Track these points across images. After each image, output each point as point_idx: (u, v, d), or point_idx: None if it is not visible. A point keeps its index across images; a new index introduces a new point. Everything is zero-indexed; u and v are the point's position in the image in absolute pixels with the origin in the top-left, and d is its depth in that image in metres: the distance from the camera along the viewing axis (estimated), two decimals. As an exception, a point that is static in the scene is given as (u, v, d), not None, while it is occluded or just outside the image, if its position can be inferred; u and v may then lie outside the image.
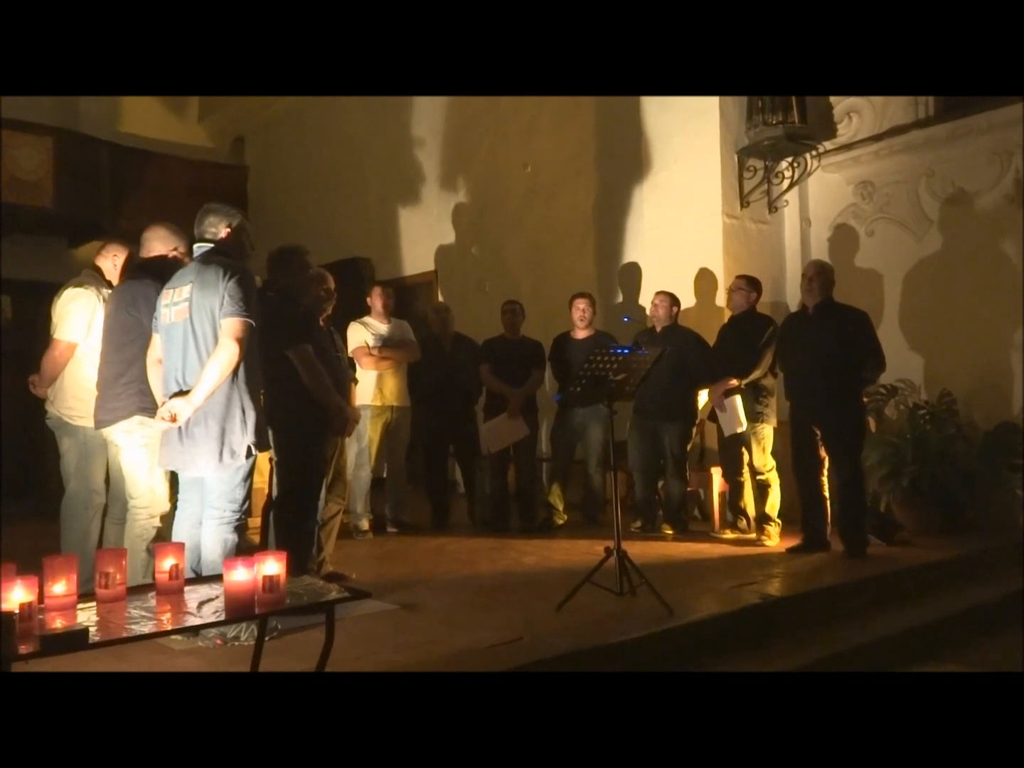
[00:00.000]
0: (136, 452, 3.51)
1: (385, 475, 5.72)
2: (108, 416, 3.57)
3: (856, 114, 6.17)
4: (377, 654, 3.01)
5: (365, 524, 5.50)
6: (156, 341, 3.30)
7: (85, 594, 2.26)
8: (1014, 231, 5.45)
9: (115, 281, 3.95)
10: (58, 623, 2.07)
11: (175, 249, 3.68)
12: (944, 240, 5.79)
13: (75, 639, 1.93)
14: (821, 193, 6.31)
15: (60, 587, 2.16)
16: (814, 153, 6.10)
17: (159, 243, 3.68)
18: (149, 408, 3.39)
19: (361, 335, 5.51)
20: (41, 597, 2.09)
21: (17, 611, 1.91)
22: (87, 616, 2.15)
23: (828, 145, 6.16)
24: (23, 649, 1.85)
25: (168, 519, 3.47)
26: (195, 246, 3.29)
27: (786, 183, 6.21)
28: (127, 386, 3.49)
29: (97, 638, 2.00)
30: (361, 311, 5.73)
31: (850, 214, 6.21)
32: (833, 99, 6.28)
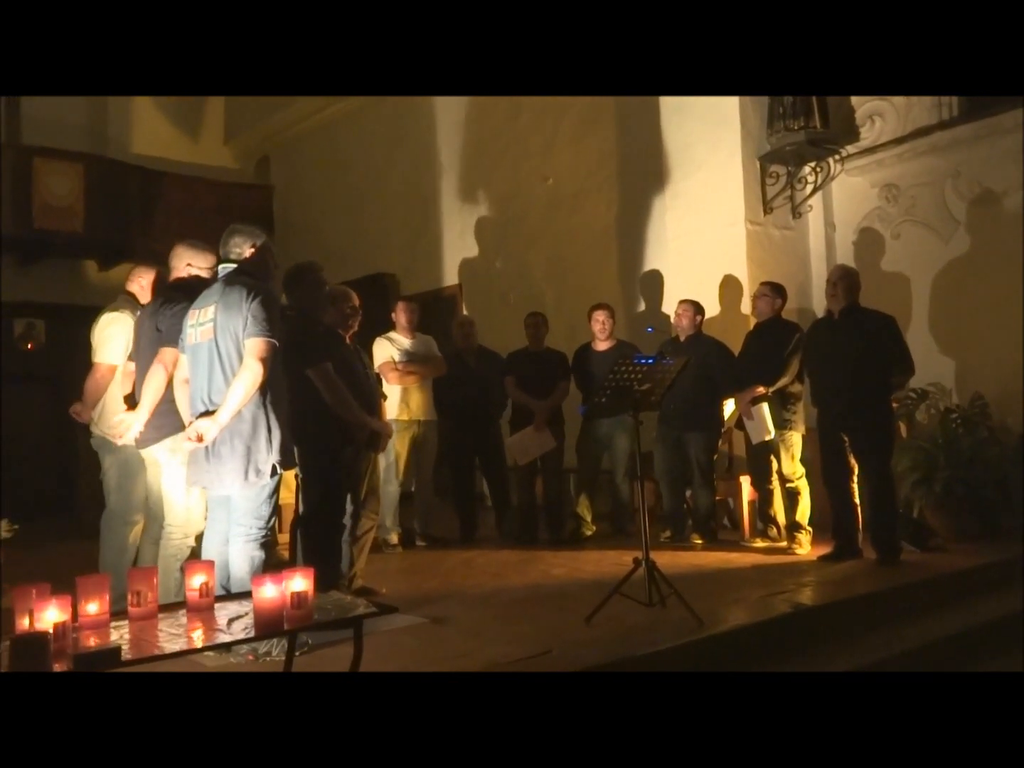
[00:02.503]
0: (178, 471, 3.54)
1: (413, 489, 5.74)
2: (153, 434, 3.62)
3: (879, 117, 6.12)
4: (406, 668, 3.01)
5: (394, 538, 5.52)
6: (183, 361, 3.35)
7: (118, 612, 2.30)
8: (1043, 230, 5.38)
9: (146, 302, 4.02)
10: (91, 642, 2.11)
11: (207, 267, 3.71)
12: (972, 241, 5.72)
13: (108, 657, 1.97)
14: (845, 197, 6.26)
15: (93, 606, 2.21)
16: (837, 157, 6.06)
17: (184, 261, 3.73)
18: None
19: (387, 350, 5.54)
20: (75, 616, 2.14)
21: (51, 631, 1.95)
22: (120, 634, 2.19)
23: (851, 149, 6.11)
24: (57, 668, 1.89)
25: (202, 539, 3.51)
26: (220, 266, 3.33)
27: (809, 188, 6.17)
28: (170, 404, 3.52)
29: (129, 656, 2.03)
30: (387, 327, 5.76)
31: (875, 217, 6.15)
32: (855, 102, 6.24)
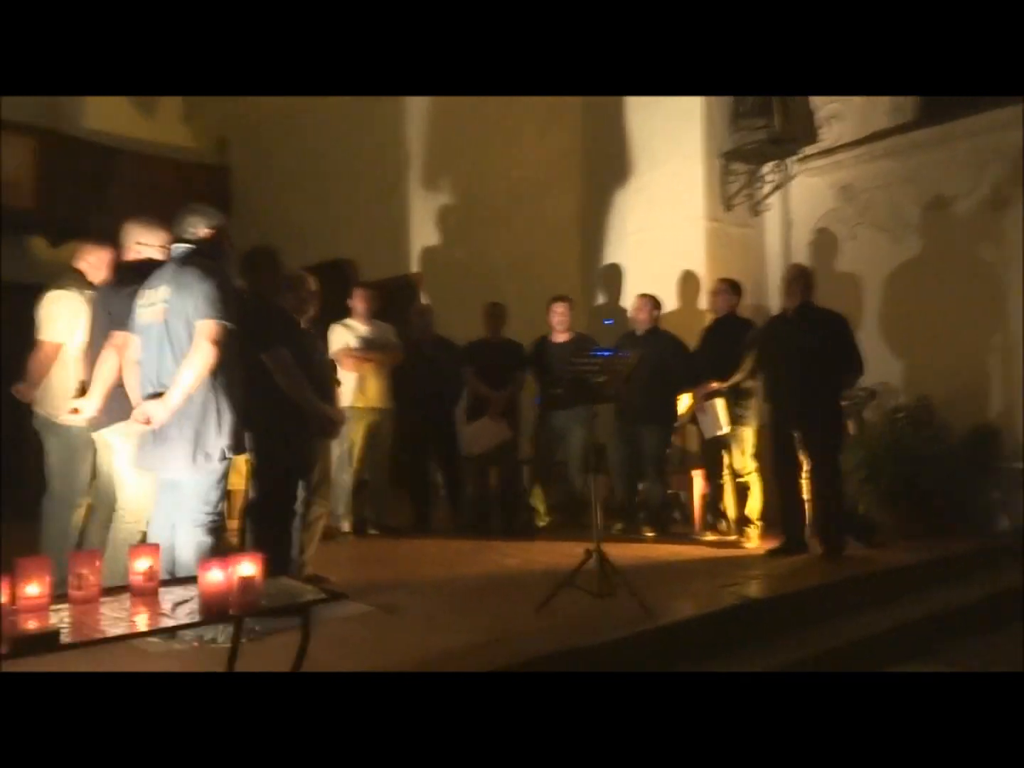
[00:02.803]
0: (129, 454, 3.45)
1: (367, 477, 5.71)
2: (105, 417, 3.55)
3: (838, 119, 6.21)
4: (356, 656, 3.01)
5: (346, 526, 5.48)
6: (133, 342, 3.29)
7: (60, 595, 2.23)
8: (992, 236, 5.50)
9: (96, 281, 3.94)
10: (30, 624, 2.04)
11: (157, 245, 3.61)
12: (924, 244, 5.83)
13: (47, 641, 1.92)
14: (803, 197, 6.34)
15: (33, 588, 2.13)
16: (797, 157, 6.14)
17: (133, 238, 3.63)
18: None
19: (343, 337, 5.50)
20: (14, 598, 2.08)
21: (-12, 612, 1.90)
22: (60, 618, 2.13)
23: (810, 149, 6.18)
24: (-7, 650, 1.84)
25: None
26: (174, 246, 3.26)
27: (769, 187, 6.24)
28: (123, 387, 3.43)
29: (69, 640, 1.98)
30: (344, 313, 5.71)
31: (832, 218, 6.24)
32: (815, 104, 6.30)
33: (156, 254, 3.60)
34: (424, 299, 7.99)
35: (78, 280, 3.97)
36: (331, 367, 4.59)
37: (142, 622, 2.18)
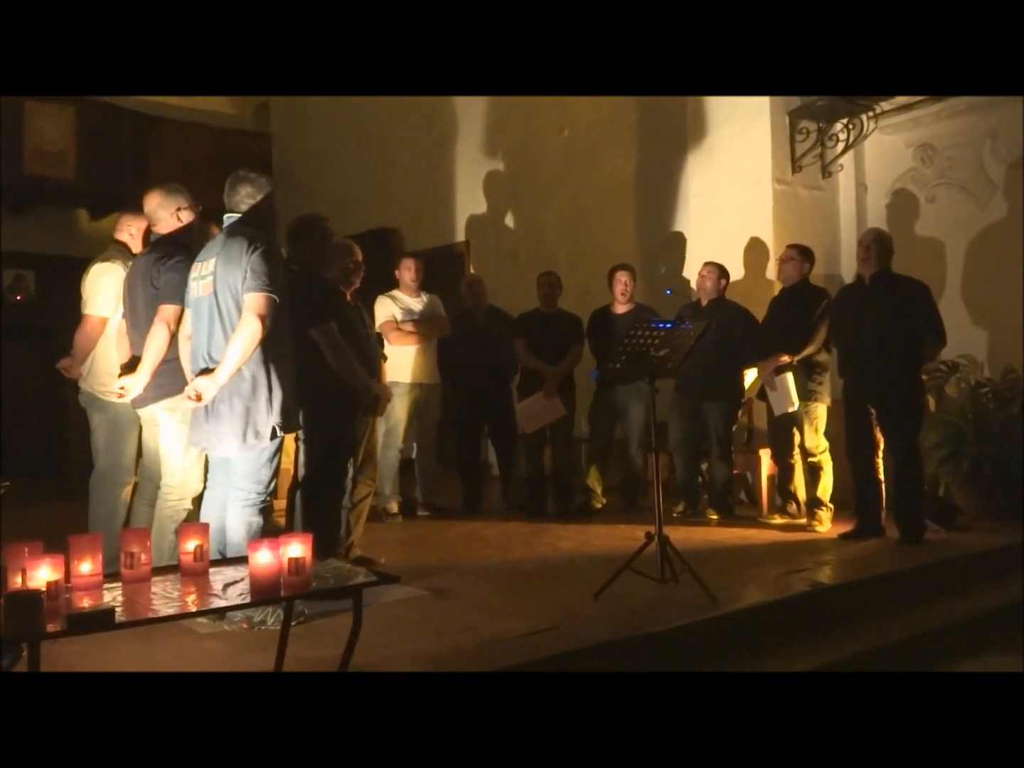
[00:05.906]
0: (176, 430, 3.48)
1: (414, 456, 5.62)
2: (151, 394, 3.53)
3: (915, 73, 5.90)
4: (406, 641, 3.00)
5: (394, 507, 5.42)
6: (186, 316, 3.30)
7: (111, 574, 2.25)
8: (1085, 196, 5.25)
9: (138, 251, 3.93)
10: (85, 603, 2.07)
11: (179, 209, 3.59)
12: (1010, 206, 5.55)
13: (102, 619, 1.93)
14: (878, 157, 6.08)
15: (86, 566, 2.16)
16: (871, 114, 5.86)
17: (162, 211, 3.60)
18: None
19: (389, 309, 5.40)
20: (67, 576, 2.10)
21: (44, 590, 1.92)
22: (113, 596, 2.15)
23: (886, 106, 5.89)
24: (50, 628, 1.87)
25: (200, 501, 3.45)
26: (225, 216, 3.22)
27: (841, 146, 5.99)
28: (170, 363, 3.45)
29: (123, 619, 1.99)
30: (390, 284, 5.60)
31: (909, 179, 5.99)
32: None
33: (192, 218, 3.61)
34: (472, 269, 7.84)
35: (122, 252, 3.97)
36: (377, 341, 4.46)
37: (193, 602, 2.19)
